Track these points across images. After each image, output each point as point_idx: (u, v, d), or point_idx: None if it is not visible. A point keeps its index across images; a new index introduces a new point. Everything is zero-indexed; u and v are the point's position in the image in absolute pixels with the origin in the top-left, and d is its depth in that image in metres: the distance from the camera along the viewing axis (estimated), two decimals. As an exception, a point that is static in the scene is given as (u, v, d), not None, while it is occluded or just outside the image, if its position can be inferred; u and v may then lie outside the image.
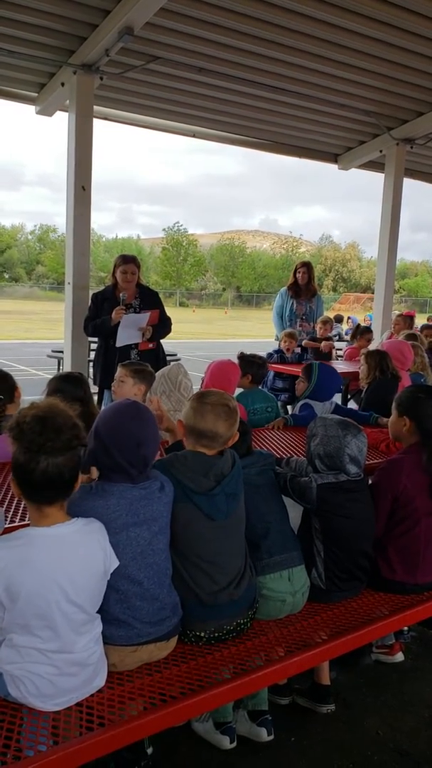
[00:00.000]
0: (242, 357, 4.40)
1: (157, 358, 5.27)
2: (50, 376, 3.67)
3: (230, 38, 6.38)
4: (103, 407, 5.02)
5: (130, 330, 5.05)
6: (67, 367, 6.72)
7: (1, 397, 3.09)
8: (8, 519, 2.34)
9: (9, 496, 2.61)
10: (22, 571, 1.79)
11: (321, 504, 2.55)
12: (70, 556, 1.86)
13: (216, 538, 2.22)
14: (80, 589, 1.87)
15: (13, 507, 2.50)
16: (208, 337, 24.94)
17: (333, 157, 9.56)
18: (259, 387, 4.47)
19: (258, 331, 28.04)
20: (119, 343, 5.04)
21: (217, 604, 2.22)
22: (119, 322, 5.00)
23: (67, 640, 1.85)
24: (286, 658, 2.23)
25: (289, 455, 3.30)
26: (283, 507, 2.61)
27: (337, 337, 9.90)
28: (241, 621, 2.29)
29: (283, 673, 2.28)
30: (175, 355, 8.84)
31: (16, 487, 1.85)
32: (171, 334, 5.55)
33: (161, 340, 5.42)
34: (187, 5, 5.80)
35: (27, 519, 2.34)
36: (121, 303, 5.07)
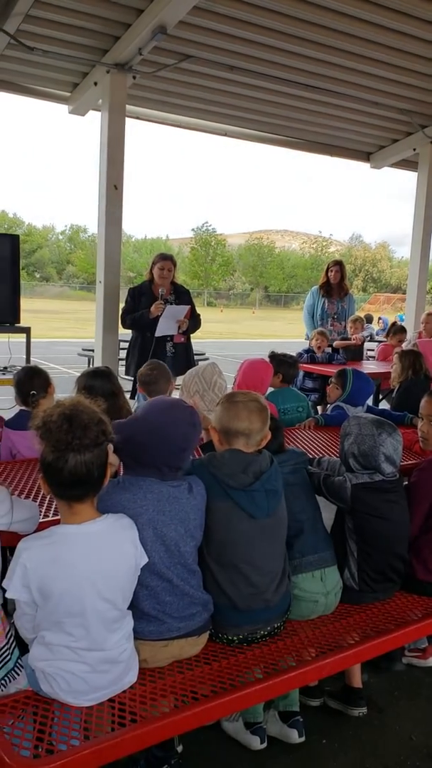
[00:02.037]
0: (273, 356, 4.38)
1: (188, 351, 5.64)
2: (78, 373, 3.69)
3: (263, 36, 6.35)
4: (137, 398, 5.12)
5: (169, 321, 5.31)
6: (97, 364, 6.76)
7: (34, 392, 3.11)
8: (41, 513, 2.35)
9: (41, 491, 2.62)
10: (54, 570, 1.79)
11: (355, 504, 2.52)
12: (102, 553, 1.86)
13: (256, 538, 2.19)
14: (112, 585, 1.87)
15: (46, 502, 2.51)
16: (235, 336, 24.92)
17: (365, 156, 9.46)
18: (290, 386, 4.44)
19: (286, 332, 27.95)
20: (158, 333, 5.30)
21: (252, 609, 2.19)
22: (157, 316, 5.24)
23: (99, 637, 1.85)
24: (317, 659, 2.20)
25: (320, 455, 3.27)
26: (316, 506, 2.58)
27: (368, 338, 9.79)
28: (276, 625, 2.28)
29: (314, 674, 2.26)
30: (203, 354, 8.84)
31: (46, 485, 1.85)
32: (199, 334, 5.84)
33: (191, 338, 5.68)
34: (220, 3, 5.79)
35: (58, 514, 2.36)
36: (160, 297, 5.33)
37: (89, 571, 1.82)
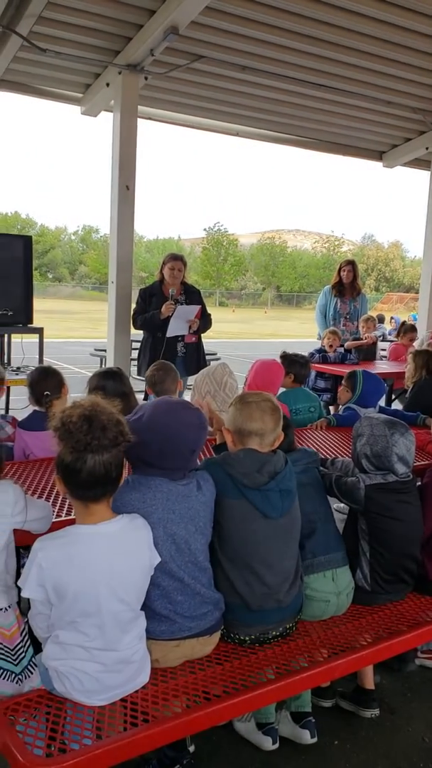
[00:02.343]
0: (285, 356, 4.37)
1: (199, 351, 5.65)
2: (91, 374, 3.70)
3: (274, 36, 6.35)
4: (149, 399, 5.13)
5: (180, 321, 5.32)
6: (110, 365, 6.78)
7: (47, 392, 3.11)
8: (54, 513, 2.36)
9: (54, 490, 2.64)
10: (69, 570, 1.80)
11: (369, 505, 2.51)
12: (117, 553, 1.86)
13: (269, 537, 2.19)
14: (127, 585, 1.88)
15: (59, 502, 2.52)
16: (247, 336, 24.91)
17: (378, 155, 9.43)
18: (302, 386, 4.43)
19: (298, 331, 27.89)
20: (170, 334, 5.31)
21: (264, 609, 2.19)
22: (168, 317, 5.25)
23: (112, 637, 1.86)
24: (329, 660, 2.20)
25: (333, 456, 3.27)
26: (327, 506, 2.57)
27: (381, 338, 9.76)
28: (288, 626, 2.27)
29: (326, 675, 2.25)
30: (215, 354, 8.84)
31: (62, 486, 1.85)
32: (210, 333, 5.90)
33: (202, 337, 5.70)
34: (232, 3, 5.80)
35: (73, 514, 2.37)
36: (170, 298, 5.34)
37: (104, 571, 1.83)
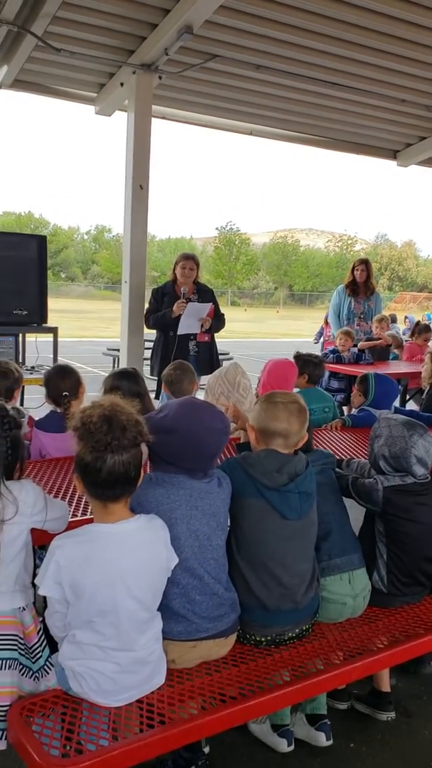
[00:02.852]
0: (299, 356, 4.36)
1: (211, 351, 5.64)
2: (105, 373, 3.71)
3: (289, 35, 6.31)
4: (161, 397, 5.14)
5: (191, 319, 5.32)
6: (123, 364, 6.79)
7: (66, 393, 3.11)
8: (70, 513, 2.36)
9: (71, 489, 2.64)
10: (86, 568, 1.80)
11: (387, 506, 2.49)
12: (135, 553, 1.86)
13: (286, 539, 2.18)
14: (143, 585, 1.87)
15: (75, 501, 2.52)
16: (259, 336, 24.87)
17: (392, 154, 9.37)
18: (316, 387, 4.41)
19: (311, 331, 27.80)
20: (181, 331, 5.32)
21: (281, 610, 2.18)
22: (180, 315, 5.26)
23: (128, 637, 1.86)
24: (345, 663, 2.19)
25: (348, 457, 3.25)
26: (343, 508, 2.56)
27: (401, 339, 9.67)
28: (304, 627, 2.26)
29: (342, 679, 2.24)
30: (228, 354, 8.83)
31: (81, 485, 1.86)
32: (222, 333, 5.84)
33: (215, 337, 5.71)
34: (246, 2, 5.77)
35: (89, 513, 2.37)
36: (182, 297, 5.34)
37: (121, 570, 1.83)
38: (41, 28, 5.58)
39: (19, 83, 6.60)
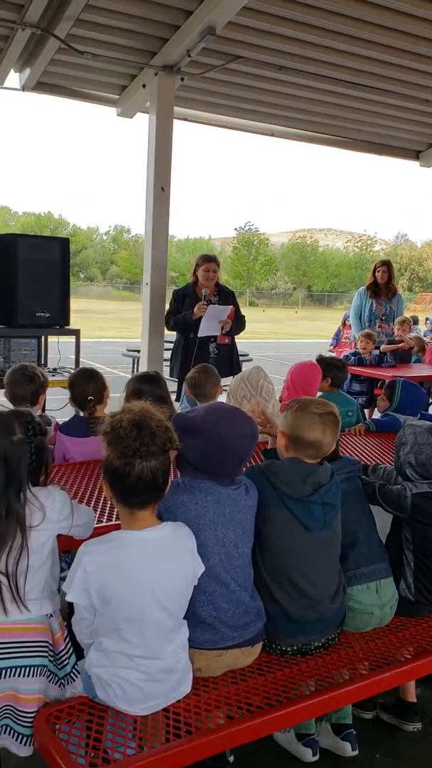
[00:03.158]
0: (321, 360, 4.31)
1: (231, 353, 5.61)
2: (124, 374, 3.70)
3: (311, 35, 6.29)
4: (182, 400, 5.13)
5: (212, 321, 5.29)
6: (143, 366, 6.81)
7: (91, 397, 3.10)
8: (95, 518, 2.35)
9: (95, 494, 2.63)
10: (114, 575, 1.79)
11: (415, 513, 2.45)
12: (162, 561, 1.85)
13: (310, 550, 2.16)
14: (171, 593, 1.86)
15: (99, 506, 2.52)
16: (277, 337, 24.79)
17: (414, 154, 9.29)
18: (339, 390, 4.37)
19: (330, 332, 27.65)
20: (201, 333, 5.28)
21: (306, 620, 2.16)
22: (200, 317, 5.23)
23: (155, 646, 1.85)
24: (371, 675, 2.16)
25: (373, 462, 3.21)
26: (370, 515, 2.53)
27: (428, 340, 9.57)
28: (330, 637, 2.24)
29: (369, 690, 2.20)
30: (247, 354, 8.80)
31: (109, 491, 1.85)
32: (241, 334, 5.77)
33: (235, 340, 5.69)
34: (268, 3, 5.76)
35: (114, 519, 2.37)
36: (203, 298, 5.31)
37: (149, 578, 1.82)
38: (64, 31, 5.61)
39: (41, 85, 6.64)
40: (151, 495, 1.85)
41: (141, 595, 1.81)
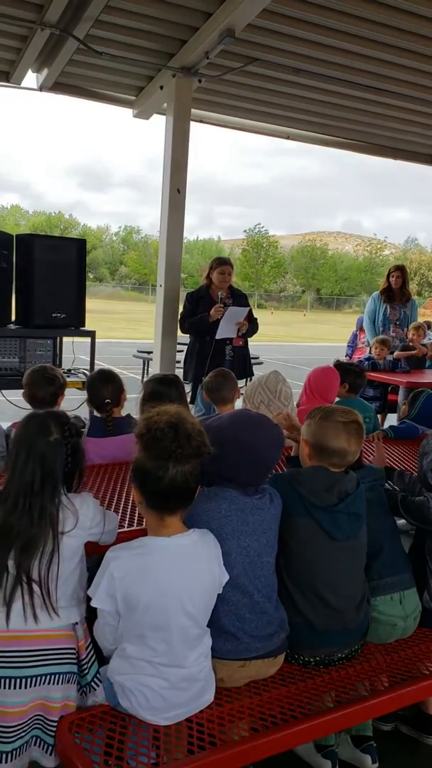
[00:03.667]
0: (339, 365, 4.28)
1: (245, 356, 5.61)
2: (134, 376, 3.68)
3: (328, 38, 6.24)
4: (196, 403, 5.12)
5: (230, 323, 5.28)
6: (155, 367, 6.79)
7: (108, 400, 3.09)
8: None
9: (116, 498, 2.61)
10: (141, 581, 1.77)
11: (439, 524, 2.42)
12: (190, 568, 1.83)
13: (335, 559, 2.13)
14: (197, 601, 1.84)
15: (120, 511, 2.49)
16: (286, 339, 24.74)
17: (429, 159, 9.25)
18: (357, 396, 4.34)
19: (338, 335, 27.60)
20: (219, 336, 5.27)
21: (330, 631, 2.14)
22: (217, 320, 5.21)
23: (179, 653, 1.83)
24: (393, 689, 2.13)
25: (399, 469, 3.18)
26: (394, 525, 2.50)
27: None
28: (354, 648, 2.21)
29: (390, 705, 2.17)
30: (257, 357, 8.77)
31: (139, 495, 1.83)
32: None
33: (248, 342, 5.66)
34: (289, 5, 5.72)
35: (136, 524, 2.34)
36: (220, 301, 5.29)
37: (176, 585, 1.80)
38: (83, 32, 5.59)
39: (58, 86, 6.63)
40: (182, 500, 1.83)
41: (168, 602, 1.79)
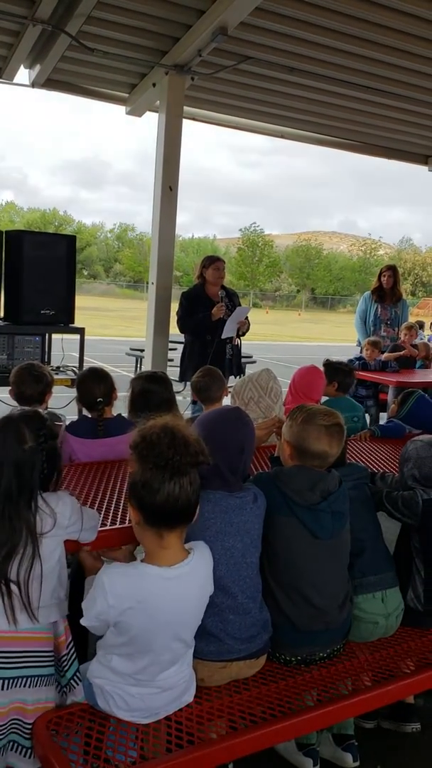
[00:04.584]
0: (328, 364, 4.29)
1: (240, 354, 5.62)
2: (126, 373, 3.66)
3: (323, 37, 6.24)
4: (198, 403, 5.07)
5: (234, 323, 5.29)
6: (147, 365, 6.77)
7: (101, 399, 3.04)
8: (99, 521, 2.31)
9: (99, 496, 2.59)
10: (136, 612, 1.74)
11: (425, 521, 2.42)
12: (187, 599, 1.82)
13: (318, 558, 2.13)
14: (189, 626, 1.85)
15: (104, 509, 2.48)
16: (280, 339, 24.75)
17: (423, 159, 9.26)
18: (345, 395, 4.34)
19: (332, 335, 27.65)
20: (225, 335, 5.26)
21: (312, 630, 2.14)
22: (220, 318, 5.21)
23: (163, 669, 1.83)
24: (374, 687, 2.13)
25: (378, 468, 3.18)
26: (377, 524, 2.50)
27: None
28: (336, 648, 2.21)
29: (372, 704, 2.17)
30: (251, 357, 8.77)
31: (137, 513, 1.78)
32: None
33: (241, 340, 5.65)
34: (281, 4, 5.71)
35: (119, 523, 2.32)
36: (221, 300, 5.29)
37: (171, 616, 1.78)
38: (75, 28, 5.57)
39: (51, 82, 6.60)
40: (182, 516, 1.77)
41: (162, 632, 1.78)
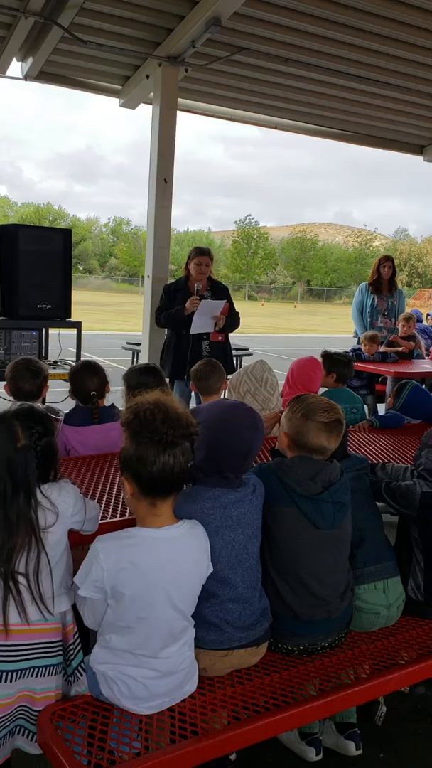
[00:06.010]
0: (327, 355, 4.27)
1: (225, 351, 5.32)
2: (123, 367, 3.65)
3: (317, 27, 6.23)
4: (174, 393, 5.03)
5: (205, 317, 5.05)
6: (144, 359, 6.77)
7: (94, 392, 3.05)
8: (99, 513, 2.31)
9: (99, 490, 2.60)
10: (130, 573, 1.76)
11: (423, 512, 2.43)
12: (179, 561, 1.83)
13: (319, 549, 2.13)
14: (184, 594, 1.84)
15: (104, 502, 2.48)
16: (275, 331, 24.75)
17: (418, 149, 9.25)
18: (344, 387, 4.34)
19: (328, 326, 27.66)
20: (193, 330, 5.05)
21: (314, 620, 2.14)
22: (193, 312, 5.01)
23: (162, 645, 1.83)
24: (376, 676, 2.13)
25: (377, 459, 3.19)
26: (378, 514, 2.50)
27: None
28: (338, 637, 2.21)
29: (373, 692, 2.18)
30: (247, 349, 8.77)
31: (132, 485, 1.82)
32: (240, 328, 5.54)
33: (229, 337, 5.43)
34: (275, -6, 5.70)
35: (119, 515, 2.33)
36: (196, 293, 5.09)
37: (164, 578, 1.79)
38: (68, 20, 5.55)
39: (44, 75, 6.59)
40: (174, 484, 1.82)
41: (155, 594, 1.78)
